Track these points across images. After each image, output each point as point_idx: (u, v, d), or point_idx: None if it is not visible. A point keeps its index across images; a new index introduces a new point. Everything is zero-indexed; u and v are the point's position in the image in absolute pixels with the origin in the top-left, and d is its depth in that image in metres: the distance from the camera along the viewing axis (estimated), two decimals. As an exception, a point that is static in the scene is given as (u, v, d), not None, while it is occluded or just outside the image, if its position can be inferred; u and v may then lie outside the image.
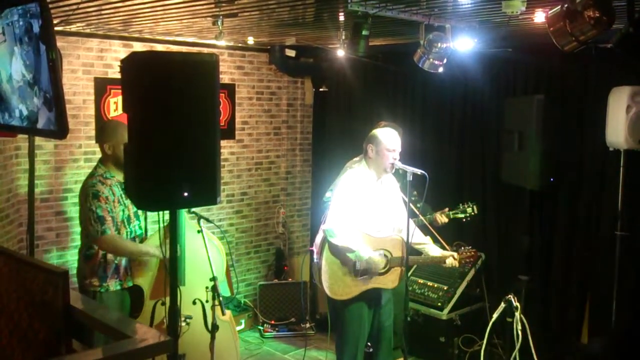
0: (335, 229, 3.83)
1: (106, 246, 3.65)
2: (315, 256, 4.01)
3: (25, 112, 2.73)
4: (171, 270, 2.56)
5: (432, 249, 4.08)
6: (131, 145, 2.34)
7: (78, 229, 4.96)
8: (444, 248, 4.17)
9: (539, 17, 3.36)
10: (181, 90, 2.27)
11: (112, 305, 3.74)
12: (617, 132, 3.99)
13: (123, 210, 3.74)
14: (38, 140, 4.52)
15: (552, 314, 4.77)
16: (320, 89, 6.40)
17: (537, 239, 4.80)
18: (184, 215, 3.83)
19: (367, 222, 3.92)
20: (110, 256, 3.71)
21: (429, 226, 4.23)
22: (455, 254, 3.96)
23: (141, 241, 3.85)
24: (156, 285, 3.83)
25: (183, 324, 3.75)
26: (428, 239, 4.14)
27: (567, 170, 4.62)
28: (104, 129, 3.90)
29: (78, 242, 4.96)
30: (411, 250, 3.97)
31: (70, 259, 4.98)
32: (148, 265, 3.84)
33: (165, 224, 2.98)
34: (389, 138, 3.89)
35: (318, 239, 4.03)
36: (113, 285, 3.74)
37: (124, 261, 3.77)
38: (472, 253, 4.02)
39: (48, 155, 4.85)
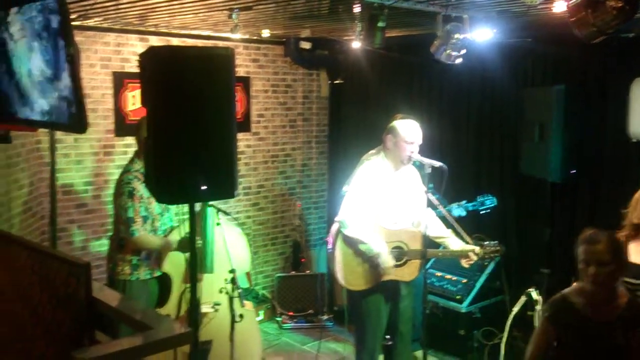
0: (348, 220, 3.82)
1: (134, 246, 3.78)
2: (329, 246, 4.01)
3: (45, 107, 2.75)
4: (191, 263, 2.58)
5: (453, 243, 4.01)
6: (149, 139, 2.36)
7: (99, 220, 5.08)
8: (465, 242, 4.08)
9: (559, 6, 3.32)
10: (198, 84, 2.28)
11: (141, 294, 3.85)
12: (640, 123, 3.94)
13: (159, 204, 3.80)
14: (58, 134, 4.57)
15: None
16: (336, 81, 6.38)
17: (557, 231, 4.75)
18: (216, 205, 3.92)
19: (384, 214, 3.90)
20: None
21: (449, 218, 4.18)
22: (477, 248, 3.88)
23: (171, 231, 3.91)
24: (187, 271, 3.89)
25: (211, 310, 3.83)
26: (449, 232, 4.07)
27: (588, 162, 4.56)
28: (142, 123, 3.95)
29: (99, 234, 5.06)
30: (431, 243, 3.94)
31: (92, 250, 5.05)
32: (178, 251, 3.88)
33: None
34: (408, 130, 3.85)
35: (333, 229, 4.03)
36: (143, 274, 3.85)
37: (155, 251, 3.87)
38: (497, 248, 3.90)
39: (68, 148, 4.90)
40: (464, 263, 3.97)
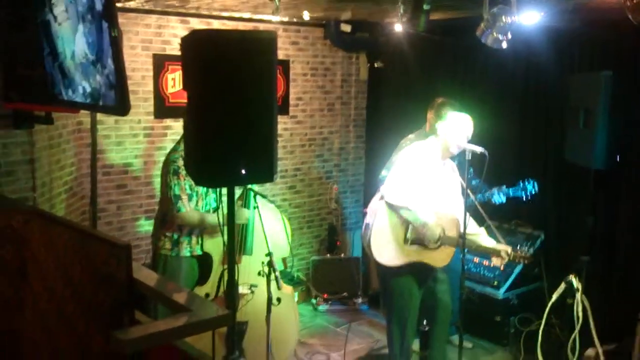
0: (393, 190, 3.81)
1: (181, 221, 3.86)
2: (368, 217, 4.00)
3: (88, 89, 2.78)
4: (229, 246, 2.59)
5: (486, 241, 3.99)
6: (190, 123, 2.37)
7: (137, 201, 5.15)
8: (497, 241, 4.04)
9: (611, -11, 3.20)
10: (240, 68, 2.27)
11: (181, 270, 3.95)
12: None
13: None
14: (99, 115, 4.62)
15: (615, 297, 4.63)
16: (376, 65, 6.31)
17: (600, 219, 4.64)
18: (254, 188, 3.98)
19: (426, 198, 3.88)
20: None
21: (481, 210, 4.11)
22: (509, 249, 3.85)
23: (214, 212, 3.97)
24: (226, 252, 3.93)
25: (248, 291, 3.87)
26: (482, 230, 4.05)
27: (634, 149, 4.43)
28: None
29: (138, 215, 5.14)
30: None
31: (131, 230, 5.13)
32: (219, 233, 3.93)
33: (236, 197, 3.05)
34: (463, 121, 3.85)
35: (374, 199, 4.02)
36: (183, 251, 3.94)
37: (196, 230, 3.95)
38: (528, 256, 3.87)
39: (109, 130, 4.97)
40: (496, 261, 3.95)
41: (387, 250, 3.88)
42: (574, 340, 3.98)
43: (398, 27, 4.59)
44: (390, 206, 3.86)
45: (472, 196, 3.98)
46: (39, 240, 2.46)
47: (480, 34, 3.69)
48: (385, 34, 5.77)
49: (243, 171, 2.35)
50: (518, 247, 3.94)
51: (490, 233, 4.08)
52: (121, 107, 2.56)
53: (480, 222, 4.13)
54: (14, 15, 3.21)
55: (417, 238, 3.87)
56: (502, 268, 4.78)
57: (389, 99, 6.21)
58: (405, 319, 3.99)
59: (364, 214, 4.15)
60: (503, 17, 3.51)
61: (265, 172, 2.44)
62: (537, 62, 4.93)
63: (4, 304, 2.58)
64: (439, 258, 3.92)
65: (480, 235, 4.01)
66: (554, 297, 4.03)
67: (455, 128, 3.83)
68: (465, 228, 3.74)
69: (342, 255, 6.21)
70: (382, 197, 3.92)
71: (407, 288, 3.97)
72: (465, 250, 4.85)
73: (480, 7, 3.65)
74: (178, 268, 3.94)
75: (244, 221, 3.96)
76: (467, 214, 3.77)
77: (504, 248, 3.87)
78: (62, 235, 2.36)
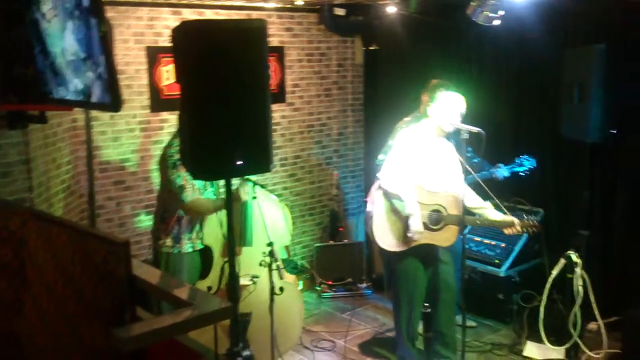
0: (388, 176, 3.82)
1: (192, 211, 3.83)
2: (369, 204, 4.00)
3: (80, 86, 2.76)
4: (229, 237, 2.59)
5: (492, 214, 3.97)
6: (184, 115, 2.36)
7: (137, 197, 5.14)
8: (504, 213, 4.03)
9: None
10: (231, 58, 2.27)
11: (183, 266, 3.94)
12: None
13: None
14: (94, 111, 4.59)
15: (614, 270, 4.65)
16: (371, 48, 6.28)
17: (597, 193, 4.65)
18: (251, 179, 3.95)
19: (423, 179, 3.88)
20: (184, 220, 3.90)
21: (484, 186, 4.10)
22: (516, 220, 3.84)
23: None
24: (226, 244, 3.93)
25: (250, 282, 3.88)
26: (488, 204, 4.03)
27: (629, 122, 4.42)
28: None
29: (138, 210, 5.13)
30: (468, 212, 3.90)
31: (131, 226, 5.12)
32: (217, 225, 3.93)
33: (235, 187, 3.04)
34: (453, 99, 3.83)
35: (373, 187, 4.02)
36: (185, 247, 3.93)
37: (197, 225, 3.94)
38: (535, 224, 3.85)
39: (104, 126, 4.94)
40: (508, 231, 3.92)
41: (390, 236, 3.88)
42: (575, 314, 4.00)
43: (391, 9, 4.56)
44: (385, 192, 3.86)
45: (473, 173, 3.97)
46: (36, 241, 2.46)
47: (472, 13, 3.67)
48: (379, 16, 5.74)
49: (239, 162, 2.34)
50: (525, 217, 3.92)
51: (496, 207, 4.07)
52: (113, 103, 2.54)
53: (484, 199, 4.12)
54: (5, 15, 3.19)
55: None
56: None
57: (386, 82, 6.19)
58: (412, 302, 4.01)
59: (365, 203, 4.15)
60: (493, -5, 3.49)
61: (261, 162, 2.43)
62: (531, 39, 4.90)
63: (4, 307, 2.58)
64: (444, 238, 3.92)
65: (487, 209, 4.00)
66: (554, 272, 4.05)
67: (445, 107, 3.81)
68: (464, 208, 3.73)
69: (345, 240, 6.22)
70: (380, 185, 3.93)
71: (412, 271, 3.99)
72: (468, 229, 4.88)
73: (471, -15, 3.63)
74: (180, 265, 3.93)
75: (245, 198, 3.93)
76: (471, 190, 3.76)
77: (511, 220, 3.86)
78: (60, 235, 2.35)
